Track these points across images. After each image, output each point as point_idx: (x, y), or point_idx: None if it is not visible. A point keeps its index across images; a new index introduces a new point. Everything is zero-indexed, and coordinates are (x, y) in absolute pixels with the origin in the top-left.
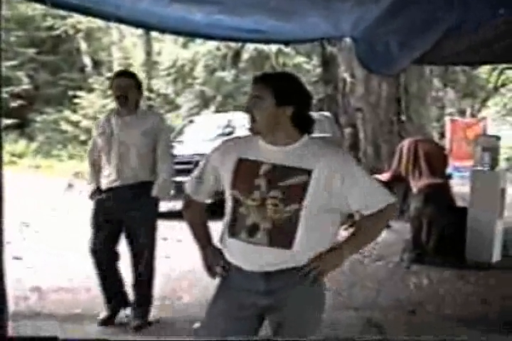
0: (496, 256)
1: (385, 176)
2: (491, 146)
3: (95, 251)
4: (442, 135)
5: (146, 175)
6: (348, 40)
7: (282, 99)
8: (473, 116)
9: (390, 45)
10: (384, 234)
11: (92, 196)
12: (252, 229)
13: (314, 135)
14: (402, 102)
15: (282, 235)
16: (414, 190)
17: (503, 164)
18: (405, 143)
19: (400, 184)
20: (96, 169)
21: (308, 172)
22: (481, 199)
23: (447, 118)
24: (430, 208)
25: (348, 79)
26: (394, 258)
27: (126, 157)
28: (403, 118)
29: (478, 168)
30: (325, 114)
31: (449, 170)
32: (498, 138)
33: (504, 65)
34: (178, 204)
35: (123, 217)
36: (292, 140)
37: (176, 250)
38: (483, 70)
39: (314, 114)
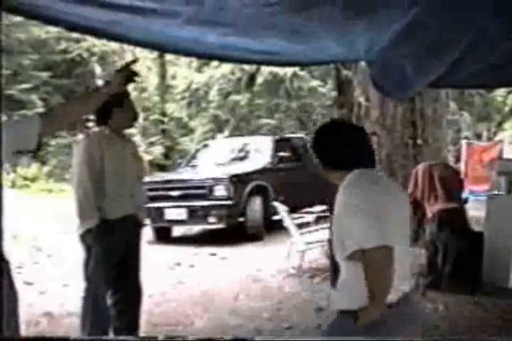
0: None
1: None
2: (507, 170)
3: (98, 305)
4: (457, 159)
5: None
6: (363, 63)
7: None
8: (489, 139)
9: (404, 69)
10: None
11: (98, 232)
12: None
13: None
14: (417, 126)
15: (335, 275)
16: (430, 214)
17: None
18: (420, 168)
19: (416, 209)
20: (100, 197)
21: (331, 211)
22: (497, 223)
23: (463, 142)
24: (445, 233)
25: (363, 103)
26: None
27: (137, 181)
28: (419, 142)
29: (494, 193)
30: None
31: (464, 195)
32: None
33: None
34: (191, 230)
35: (128, 251)
36: (341, 179)
37: (188, 275)
38: (500, 93)
39: None
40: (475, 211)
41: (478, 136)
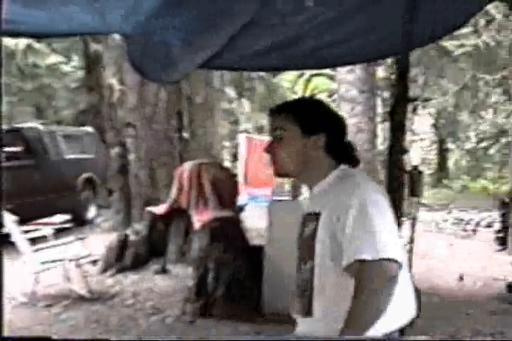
0: None
1: (160, 209)
2: None
3: None
4: (235, 156)
5: None
6: (116, 36)
7: (311, 126)
8: None
9: (169, 44)
10: (160, 281)
11: None
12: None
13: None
14: (184, 116)
15: (304, 299)
16: (197, 225)
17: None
18: (186, 168)
19: (180, 218)
20: None
21: (317, 217)
22: (281, 236)
23: (242, 136)
24: (217, 248)
25: (117, 86)
26: (174, 311)
27: None
28: (186, 135)
29: (278, 198)
30: (87, 130)
31: (242, 200)
32: None
33: (312, 72)
34: None
35: None
36: (322, 176)
37: None
38: (287, 77)
39: (78, 130)
40: (255, 220)
41: (261, 129)
